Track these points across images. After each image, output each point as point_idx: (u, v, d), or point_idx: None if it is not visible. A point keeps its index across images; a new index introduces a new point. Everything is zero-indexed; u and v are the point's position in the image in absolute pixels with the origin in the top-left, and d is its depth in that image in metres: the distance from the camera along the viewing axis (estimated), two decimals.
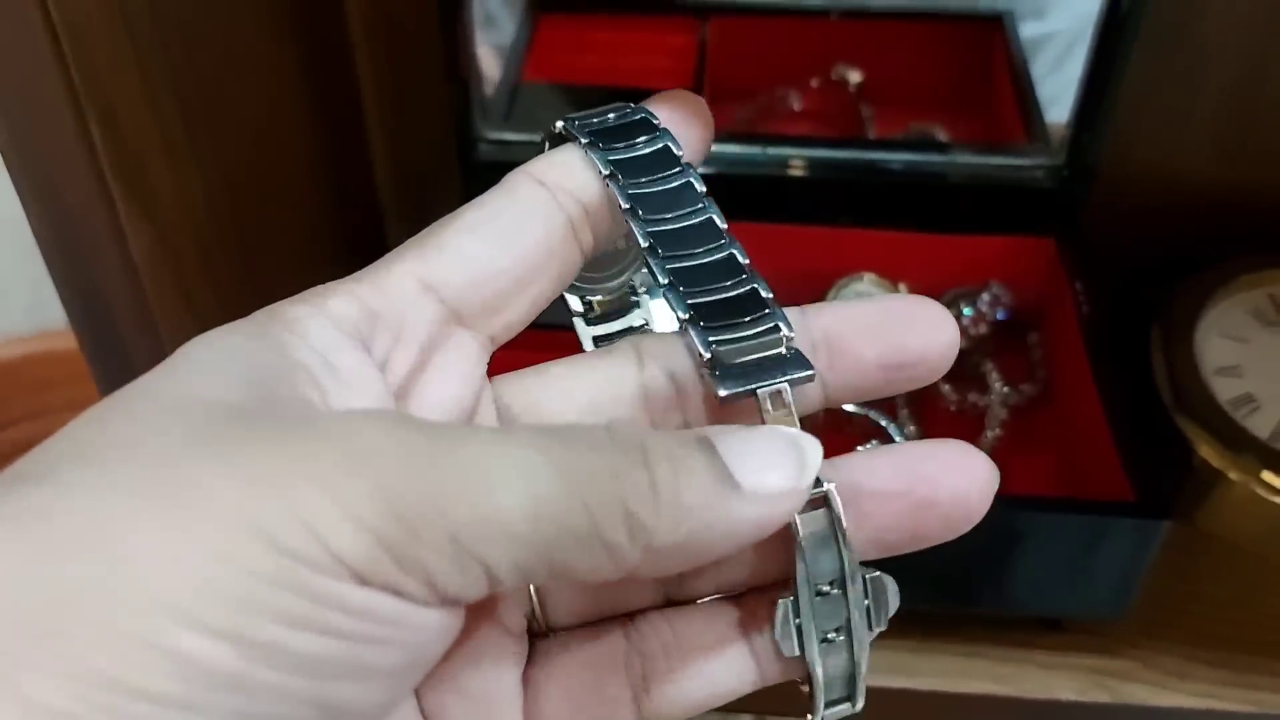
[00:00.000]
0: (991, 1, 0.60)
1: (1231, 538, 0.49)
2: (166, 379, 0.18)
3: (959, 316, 0.51)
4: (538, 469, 0.17)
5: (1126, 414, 0.45)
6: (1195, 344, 0.50)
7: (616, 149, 0.22)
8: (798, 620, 0.21)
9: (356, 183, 0.58)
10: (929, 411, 0.51)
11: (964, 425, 0.50)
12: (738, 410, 0.21)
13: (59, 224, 0.35)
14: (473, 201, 0.21)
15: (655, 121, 0.22)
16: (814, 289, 0.52)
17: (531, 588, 0.21)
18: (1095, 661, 0.45)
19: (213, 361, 0.18)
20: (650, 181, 0.22)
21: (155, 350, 0.37)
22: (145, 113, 0.35)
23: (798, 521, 0.20)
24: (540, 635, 0.22)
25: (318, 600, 0.16)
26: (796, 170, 0.54)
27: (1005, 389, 0.50)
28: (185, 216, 0.38)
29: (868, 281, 0.52)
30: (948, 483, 0.21)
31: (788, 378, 0.20)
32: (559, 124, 0.23)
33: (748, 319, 0.21)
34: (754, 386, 0.20)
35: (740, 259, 0.21)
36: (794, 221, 0.53)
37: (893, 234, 0.53)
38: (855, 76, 0.61)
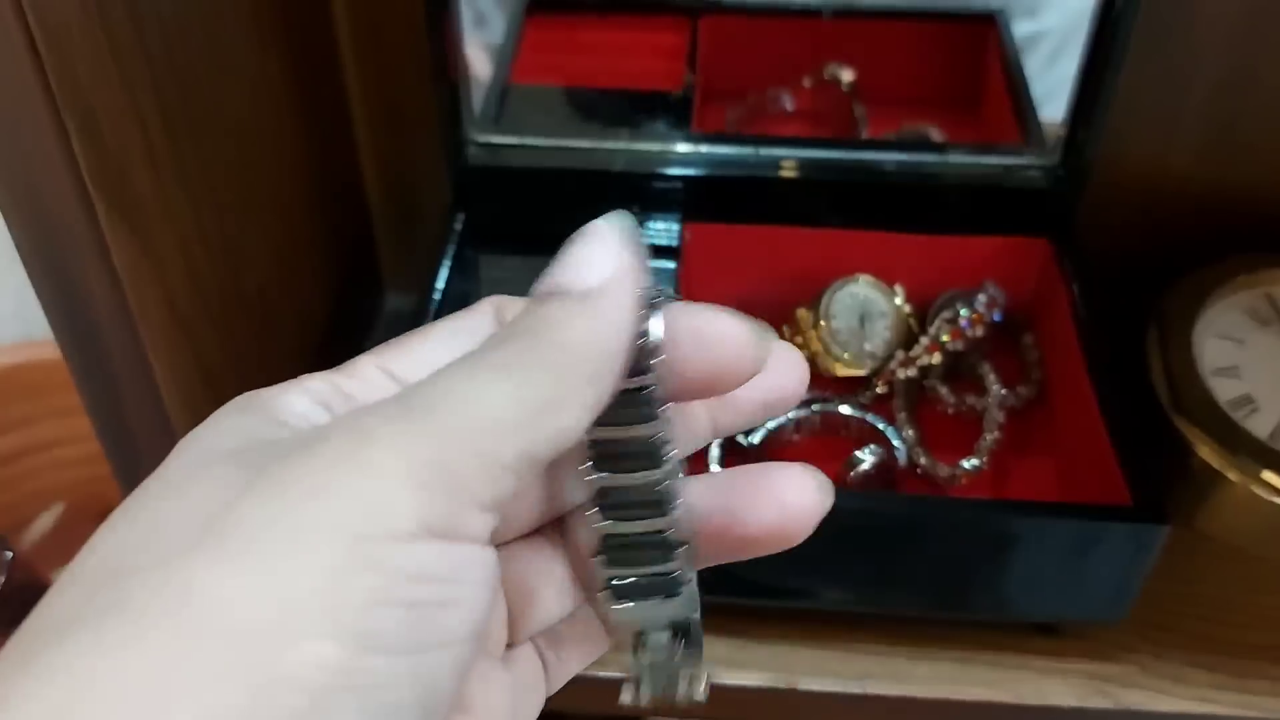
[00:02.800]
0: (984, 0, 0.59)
1: (1231, 539, 0.48)
2: (177, 460, 0.19)
3: (956, 319, 0.50)
4: (492, 375, 0.19)
5: (1124, 416, 0.44)
6: (1193, 344, 0.50)
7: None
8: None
9: (345, 187, 0.57)
10: (927, 415, 0.51)
11: (962, 428, 0.50)
12: None
13: (40, 233, 0.34)
14: (441, 319, 0.23)
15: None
16: (809, 290, 0.52)
17: None
18: (1093, 666, 0.44)
19: (211, 433, 0.19)
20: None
21: (139, 359, 0.36)
22: (127, 121, 0.34)
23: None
24: None
25: (398, 572, 0.17)
26: (789, 171, 0.53)
27: (1003, 391, 0.50)
28: (169, 225, 0.37)
29: (863, 283, 0.52)
30: (757, 517, 0.22)
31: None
32: None
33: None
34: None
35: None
36: (787, 223, 0.53)
37: (887, 235, 0.52)
38: (847, 76, 0.60)
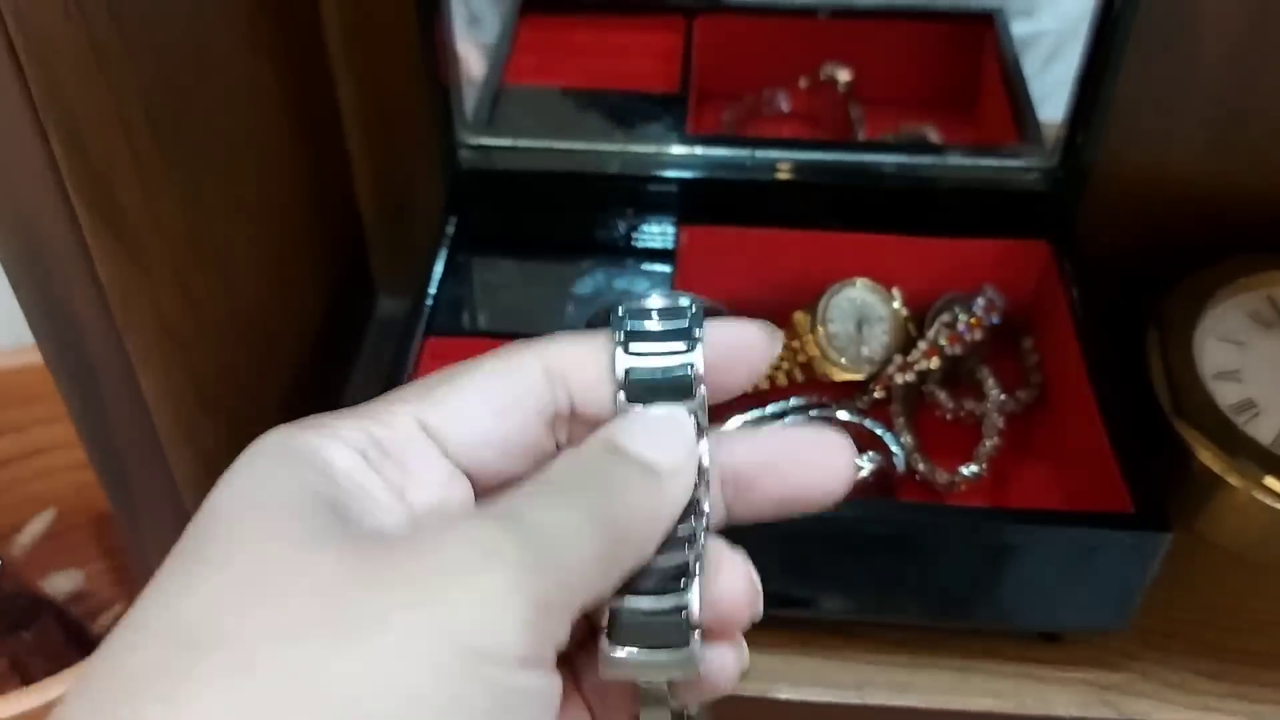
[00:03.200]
0: None
1: (1232, 545, 0.48)
2: (231, 522, 0.19)
3: (954, 323, 0.50)
4: (584, 530, 0.20)
5: (1124, 421, 0.44)
6: (1193, 348, 0.49)
7: (641, 368, 0.23)
8: None
9: (337, 192, 0.57)
10: (925, 420, 0.50)
11: (961, 433, 0.49)
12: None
13: (23, 244, 0.34)
14: (476, 361, 0.23)
15: (697, 335, 0.23)
16: (806, 294, 0.51)
17: None
18: (1094, 675, 0.44)
19: (264, 485, 0.19)
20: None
21: (125, 371, 0.36)
22: (112, 129, 0.34)
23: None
24: None
25: (507, 693, 0.18)
26: (786, 174, 0.53)
27: (1002, 396, 0.49)
28: (157, 233, 0.37)
29: (860, 287, 0.51)
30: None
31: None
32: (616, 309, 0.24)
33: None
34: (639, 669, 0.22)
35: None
36: (784, 226, 0.52)
37: (885, 238, 0.52)
38: (844, 76, 0.60)
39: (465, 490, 0.22)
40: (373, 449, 0.21)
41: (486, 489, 0.23)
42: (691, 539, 0.22)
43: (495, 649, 0.18)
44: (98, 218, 0.33)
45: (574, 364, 0.23)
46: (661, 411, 0.22)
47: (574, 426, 0.23)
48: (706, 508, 0.22)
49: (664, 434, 0.22)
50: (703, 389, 0.23)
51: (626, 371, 0.23)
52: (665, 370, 0.23)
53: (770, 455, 0.24)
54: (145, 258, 0.36)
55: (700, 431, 0.23)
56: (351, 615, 0.17)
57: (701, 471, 0.22)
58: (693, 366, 0.23)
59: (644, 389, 0.23)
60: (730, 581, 0.22)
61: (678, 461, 0.22)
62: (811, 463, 0.23)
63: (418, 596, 0.17)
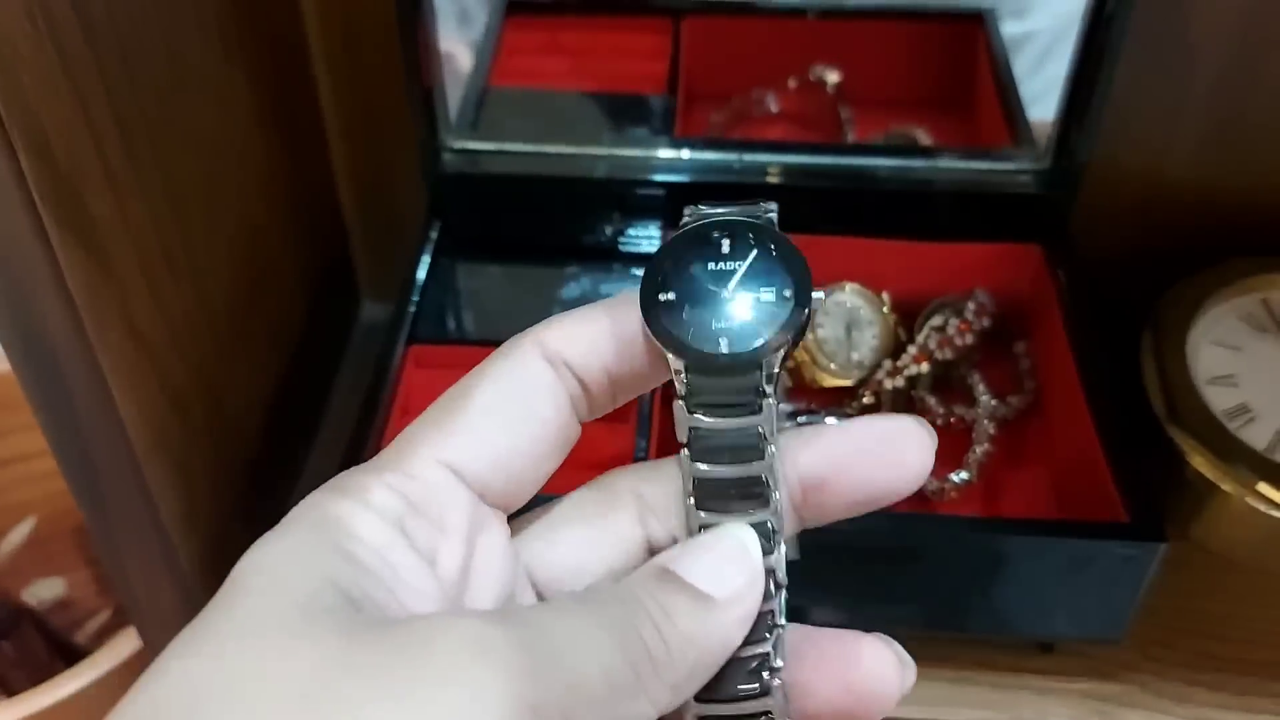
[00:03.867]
0: None
1: (1227, 552, 0.47)
2: (245, 596, 0.19)
3: (944, 327, 0.49)
4: (601, 643, 0.19)
5: (1118, 427, 0.43)
6: (1187, 352, 0.49)
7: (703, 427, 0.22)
8: None
9: (318, 198, 0.56)
10: None
11: (951, 440, 0.49)
12: None
13: None
14: (480, 373, 0.22)
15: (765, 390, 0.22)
16: None
17: None
18: (1090, 685, 0.43)
19: (286, 575, 0.19)
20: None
21: (98, 384, 0.35)
22: (81, 138, 0.33)
23: None
24: None
25: None
26: (774, 177, 0.52)
27: (993, 402, 0.48)
28: (129, 244, 0.36)
29: (850, 291, 0.50)
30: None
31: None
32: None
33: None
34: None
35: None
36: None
37: (875, 241, 0.51)
38: (833, 77, 0.59)
39: (496, 536, 0.22)
40: (407, 512, 0.21)
41: (529, 497, 0.23)
42: (764, 661, 0.21)
43: None
44: (66, 227, 0.32)
45: (564, 338, 0.22)
46: (725, 537, 0.21)
47: (592, 399, 0.23)
48: (781, 620, 0.21)
49: (724, 560, 0.21)
50: (772, 449, 0.21)
51: (688, 441, 0.22)
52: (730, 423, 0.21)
53: (841, 456, 0.22)
54: (116, 267, 0.35)
55: (772, 540, 0.21)
56: (326, 712, 0.17)
57: (776, 586, 0.21)
58: (760, 428, 0.21)
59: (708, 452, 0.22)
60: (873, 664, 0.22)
61: (736, 591, 0.21)
62: (886, 460, 0.22)
63: (397, 692, 0.17)
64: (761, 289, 0.21)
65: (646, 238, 0.53)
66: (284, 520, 0.20)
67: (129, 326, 0.36)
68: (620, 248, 0.53)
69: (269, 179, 0.48)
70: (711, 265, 0.22)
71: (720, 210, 0.23)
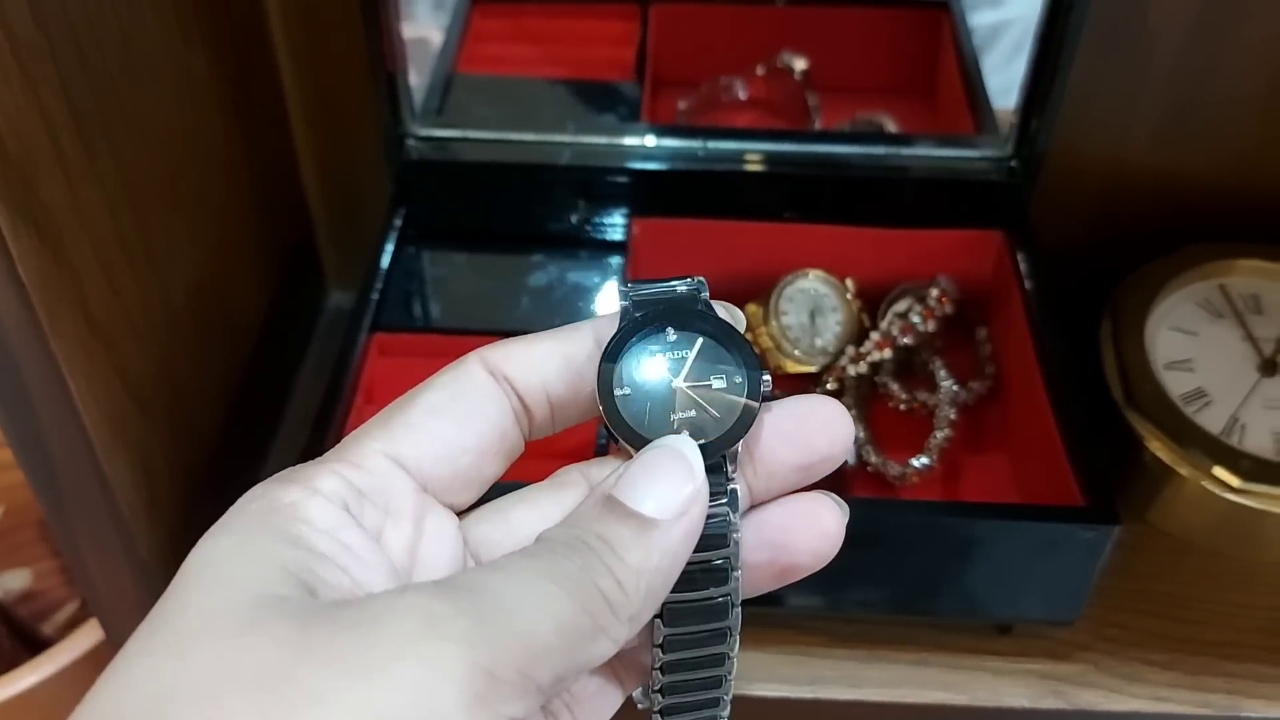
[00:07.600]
0: None
1: (1183, 534, 0.48)
2: (197, 591, 0.19)
3: (907, 313, 0.49)
4: (552, 596, 0.19)
5: (1076, 412, 0.44)
6: (1146, 338, 0.49)
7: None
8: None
9: (282, 185, 0.56)
10: (878, 412, 0.50)
11: (913, 425, 0.49)
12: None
13: None
14: (426, 382, 0.23)
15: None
16: (759, 285, 0.51)
17: None
18: (1047, 667, 0.44)
19: (235, 568, 0.19)
20: None
21: (52, 374, 0.35)
22: (32, 125, 0.32)
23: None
24: None
25: None
26: (740, 164, 0.52)
27: (955, 387, 0.49)
28: (84, 233, 0.36)
29: (814, 278, 0.51)
30: (804, 546, 0.23)
31: None
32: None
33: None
34: None
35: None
36: (738, 217, 0.52)
37: (838, 228, 0.51)
38: (801, 64, 0.59)
39: (444, 521, 0.23)
40: (353, 498, 0.21)
41: (474, 498, 0.23)
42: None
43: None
44: (18, 215, 0.32)
45: (505, 356, 0.23)
46: (665, 450, 0.21)
47: (533, 417, 0.23)
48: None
49: (665, 475, 0.21)
50: (735, 537, 0.22)
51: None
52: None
53: (780, 422, 0.23)
54: (70, 255, 0.35)
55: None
56: (288, 699, 0.17)
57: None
58: (729, 515, 0.22)
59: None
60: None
61: (679, 507, 0.20)
62: (817, 424, 0.23)
63: (353, 671, 0.17)
64: (713, 377, 0.22)
65: (613, 225, 0.53)
66: (229, 512, 0.21)
67: (84, 314, 0.36)
68: (586, 235, 0.53)
69: (230, 166, 0.48)
70: (661, 354, 0.23)
71: (654, 290, 0.23)
